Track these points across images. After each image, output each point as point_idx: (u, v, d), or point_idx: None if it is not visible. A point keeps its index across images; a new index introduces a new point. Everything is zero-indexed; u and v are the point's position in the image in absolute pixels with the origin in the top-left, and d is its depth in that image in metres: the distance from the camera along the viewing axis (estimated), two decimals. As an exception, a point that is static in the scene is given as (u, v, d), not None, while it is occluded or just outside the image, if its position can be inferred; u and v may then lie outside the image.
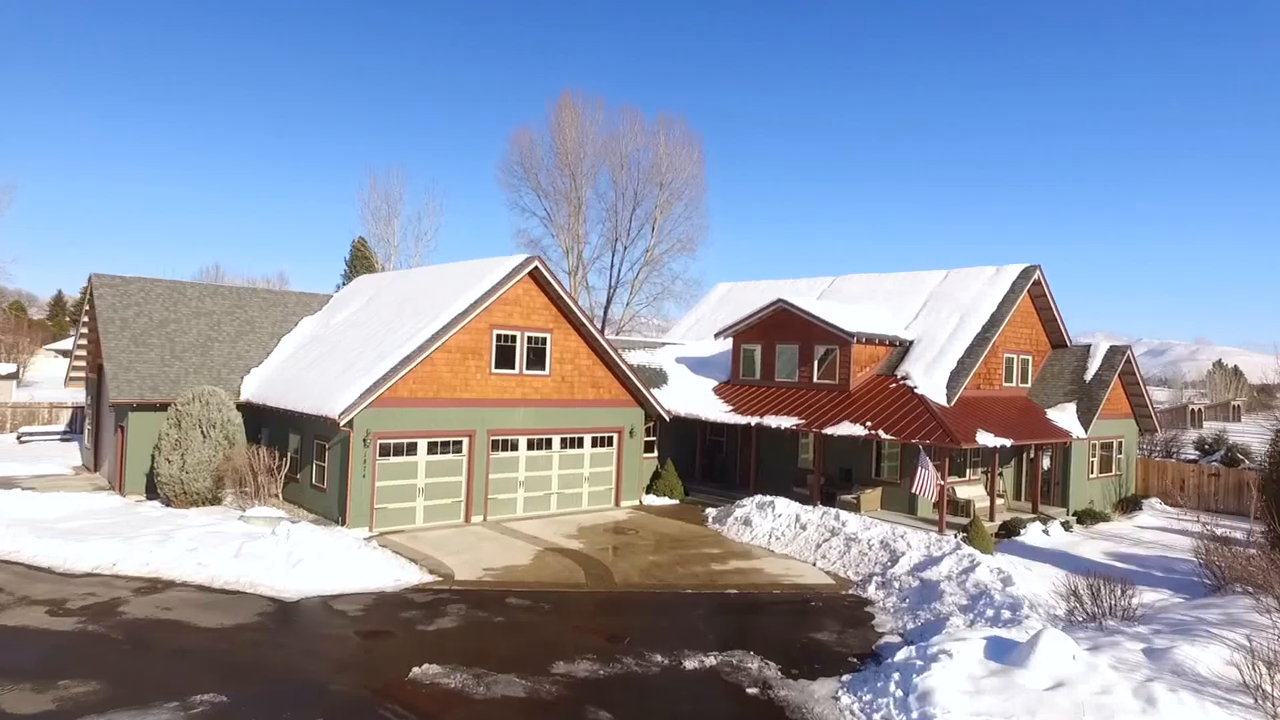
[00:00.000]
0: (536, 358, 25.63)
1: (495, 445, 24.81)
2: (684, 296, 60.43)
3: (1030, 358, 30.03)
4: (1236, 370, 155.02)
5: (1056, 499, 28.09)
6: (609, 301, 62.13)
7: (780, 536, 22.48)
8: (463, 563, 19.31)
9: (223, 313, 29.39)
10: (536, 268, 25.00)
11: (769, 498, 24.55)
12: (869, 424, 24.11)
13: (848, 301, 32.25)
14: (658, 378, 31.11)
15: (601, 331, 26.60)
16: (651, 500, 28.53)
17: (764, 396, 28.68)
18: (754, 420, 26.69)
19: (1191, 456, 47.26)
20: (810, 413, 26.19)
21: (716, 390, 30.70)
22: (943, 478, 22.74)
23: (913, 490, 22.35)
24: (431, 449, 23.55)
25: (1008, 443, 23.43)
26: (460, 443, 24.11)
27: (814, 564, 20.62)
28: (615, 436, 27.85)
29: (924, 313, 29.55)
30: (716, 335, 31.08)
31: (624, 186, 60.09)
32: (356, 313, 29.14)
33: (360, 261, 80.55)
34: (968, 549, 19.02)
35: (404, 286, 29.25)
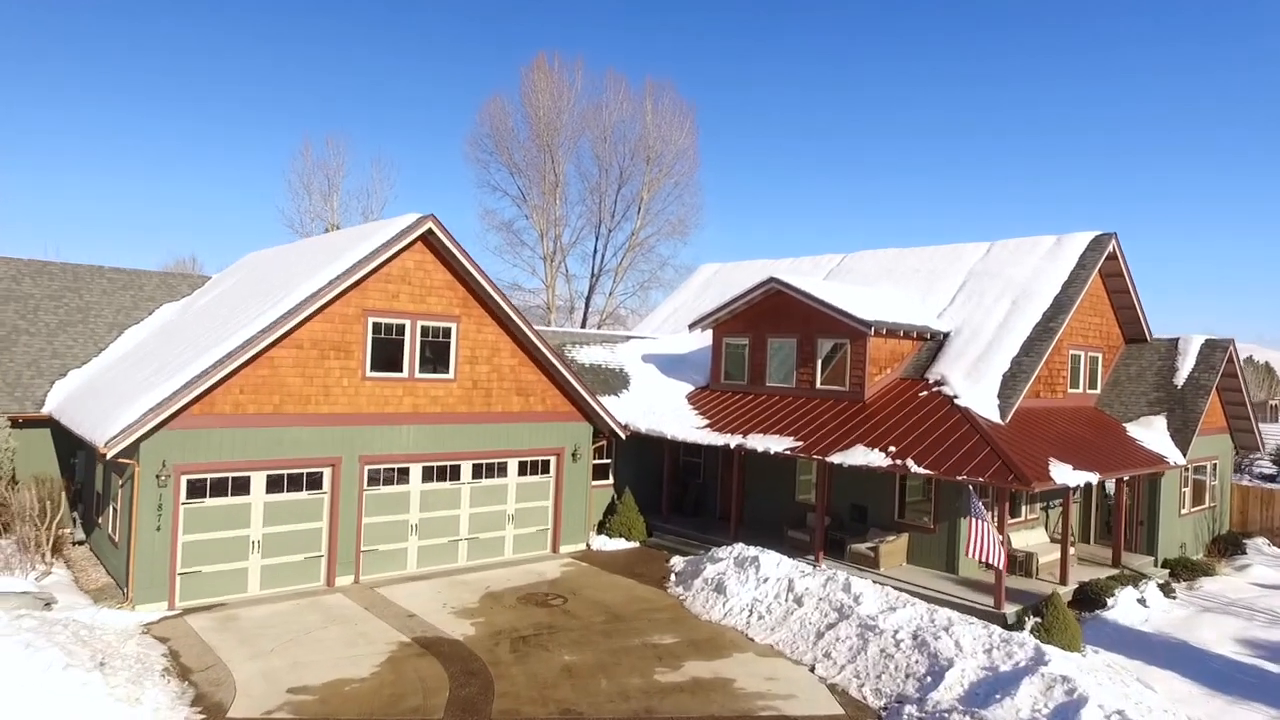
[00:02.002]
0: (436, 356, 18.73)
1: (373, 477, 17.94)
2: (674, 285, 53.46)
3: (1100, 355, 22.95)
4: (1268, 367, 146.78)
5: (1138, 542, 21.02)
6: (591, 290, 55.28)
7: (765, 615, 15.52)
8: (261, 676, 12.42)
9: (44, 297, 22.59)
10: (430, 231, 18.08)
11: (753, 550, 17.63)
12: (893, 449, 17.10)
13: (862, 283, 25.22)
14: (616, 381, 24.18)
15: (521, 323, 19.64)
16: (603, 543, 21.61)
17: (752, 407, 21.69)
18: (736, 441, 19.70)
19: (1269, 471, 40.07)
20: (812, 431, 19.19)
21: (692, 398, 23.73)
22: (1000, 529, 15.70)
23: (966, 554, 15.32)
24: (274, 485, 16.67)
25: (1094, 478, 16.38)
26: (319, 475, 17.23)
27: (812, 668, 13.65)
28: (552, 460, 20.94)
29: (962, 296, 22.48)
30: (691, 326, 24.11)
31: (607, 162, 53.24)
32: (216, 297, 22.31)
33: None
34: (1055, 661, 12.00)
35: (282, 261, 22.38)
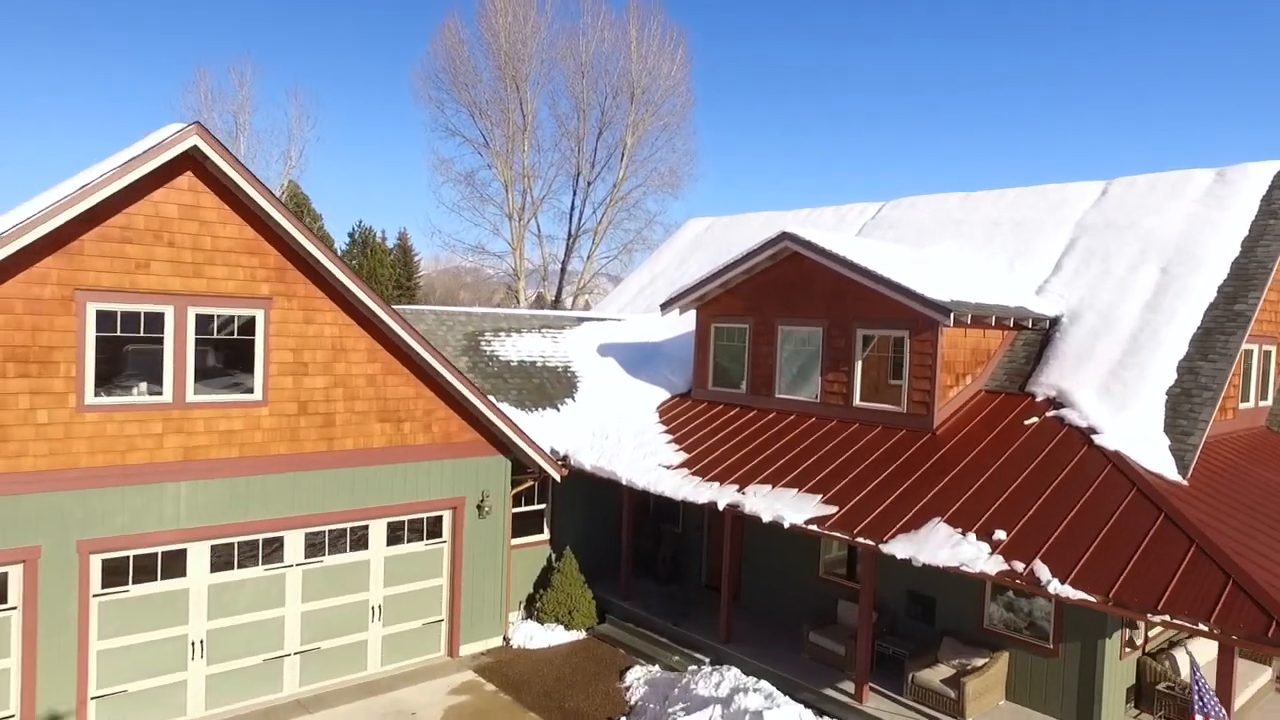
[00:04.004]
0: (230, 364, 11.31)
1: (114, 573, 10.65)
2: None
3: (1274, 349, 15.41)
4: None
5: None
6: (567, 253, 47.54)
7: None
8: None
9: None
10: (197, 150, 10.53)
11: (754, 695, 10.45)
12: (1001, 535, 9.64)
13: (914, 242, 17.65)
14: (557, 385, 16.73)
15: (378, 309, 12.10)
16: (530, 634, 14.37)
17: (753, 433, 14.25)
18: (727, 498, 12.21)
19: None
20: (852, 484, 11.76)
21: (665, 412, 16.30)
22: (1227, 704, 8.28)
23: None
24: (-102, 605, 9.37)
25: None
26: (-4, 580, 9.93)
27: None
28: (446, 518, 13.64)
29: (1073, 261, 14.91)
30: (665, 306, 16.55)
31: (586, 101, 45.18)
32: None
33: (293, 210, 66.69)
34: None
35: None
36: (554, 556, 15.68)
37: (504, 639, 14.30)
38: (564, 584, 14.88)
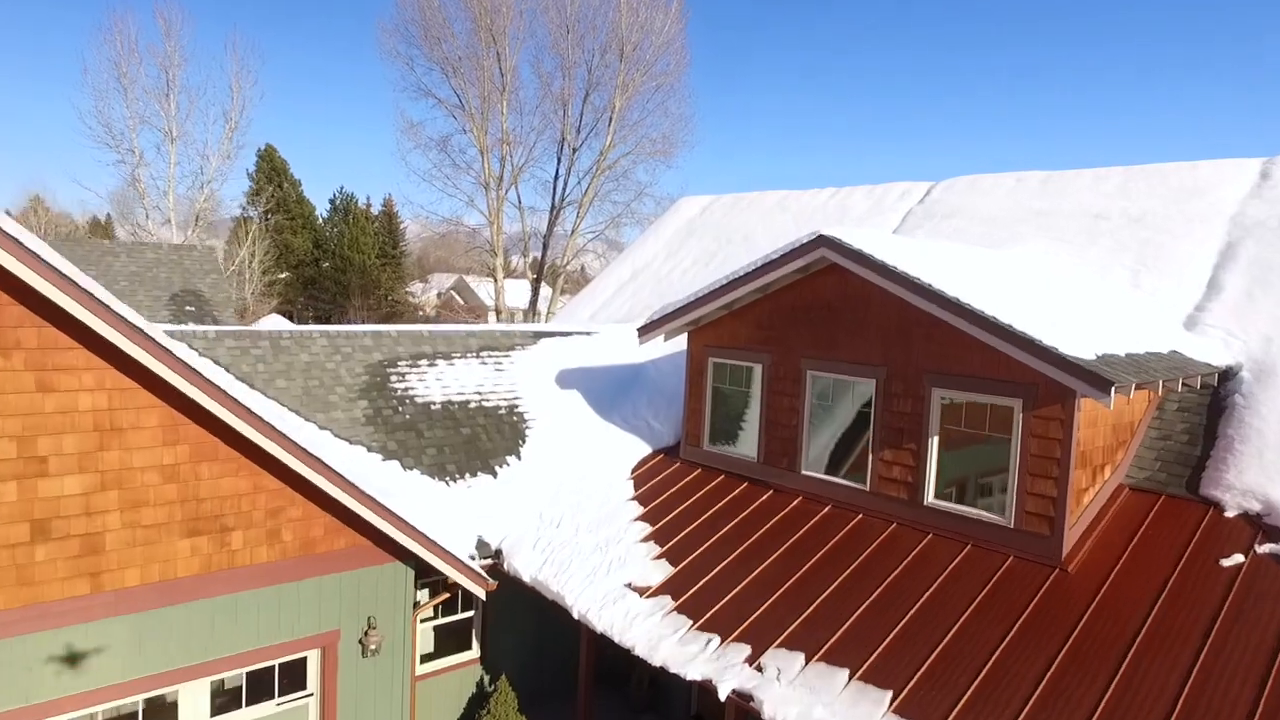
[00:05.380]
0: (-109, 469, 6.64)
1: None
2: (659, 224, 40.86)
3: None
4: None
5: None
6: (550, 227, 42.62)
7: None
8: None
9: None
10: None
11: None
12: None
13: (980, 238, 12.94)
14: (498, 436, 12.06)
15: (162, 365, 7.37)
16: (443, 812, 9.92)
17: (768, 531, 9.66)
18: (732, 677, 7.59)
19: None
20: (937, 668, 7.21)
21: (643, 482, 11.66)
22: None
23: None
24: None
25: None
26: None
27: None
28: (312, 661, 9.09)
29: (1234, 277, 10.26)
30: (643, 331, 11.81)
31: (570, 59, 40.09)
32: None
33: (269, 175, 61.80)
34: None
35: None
36: (488, 680, 11.21)
37: (405, 821, 9.87)
38: (496, 729, 10.40)
